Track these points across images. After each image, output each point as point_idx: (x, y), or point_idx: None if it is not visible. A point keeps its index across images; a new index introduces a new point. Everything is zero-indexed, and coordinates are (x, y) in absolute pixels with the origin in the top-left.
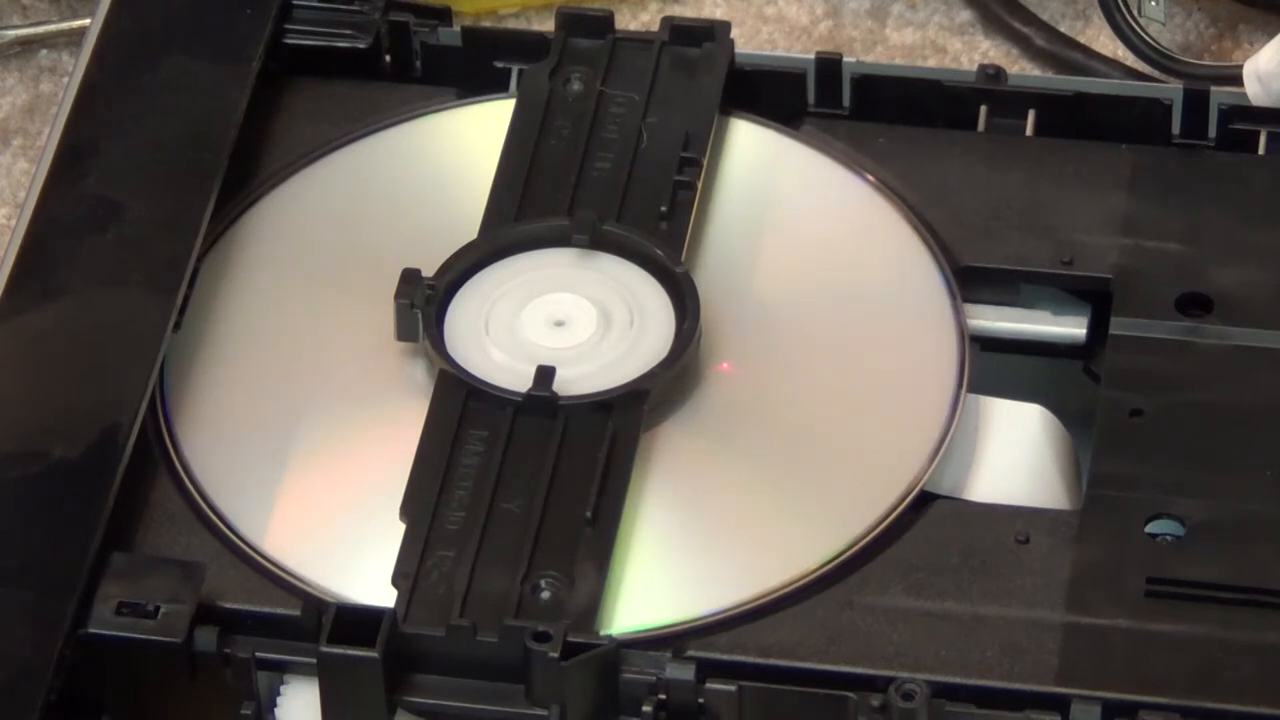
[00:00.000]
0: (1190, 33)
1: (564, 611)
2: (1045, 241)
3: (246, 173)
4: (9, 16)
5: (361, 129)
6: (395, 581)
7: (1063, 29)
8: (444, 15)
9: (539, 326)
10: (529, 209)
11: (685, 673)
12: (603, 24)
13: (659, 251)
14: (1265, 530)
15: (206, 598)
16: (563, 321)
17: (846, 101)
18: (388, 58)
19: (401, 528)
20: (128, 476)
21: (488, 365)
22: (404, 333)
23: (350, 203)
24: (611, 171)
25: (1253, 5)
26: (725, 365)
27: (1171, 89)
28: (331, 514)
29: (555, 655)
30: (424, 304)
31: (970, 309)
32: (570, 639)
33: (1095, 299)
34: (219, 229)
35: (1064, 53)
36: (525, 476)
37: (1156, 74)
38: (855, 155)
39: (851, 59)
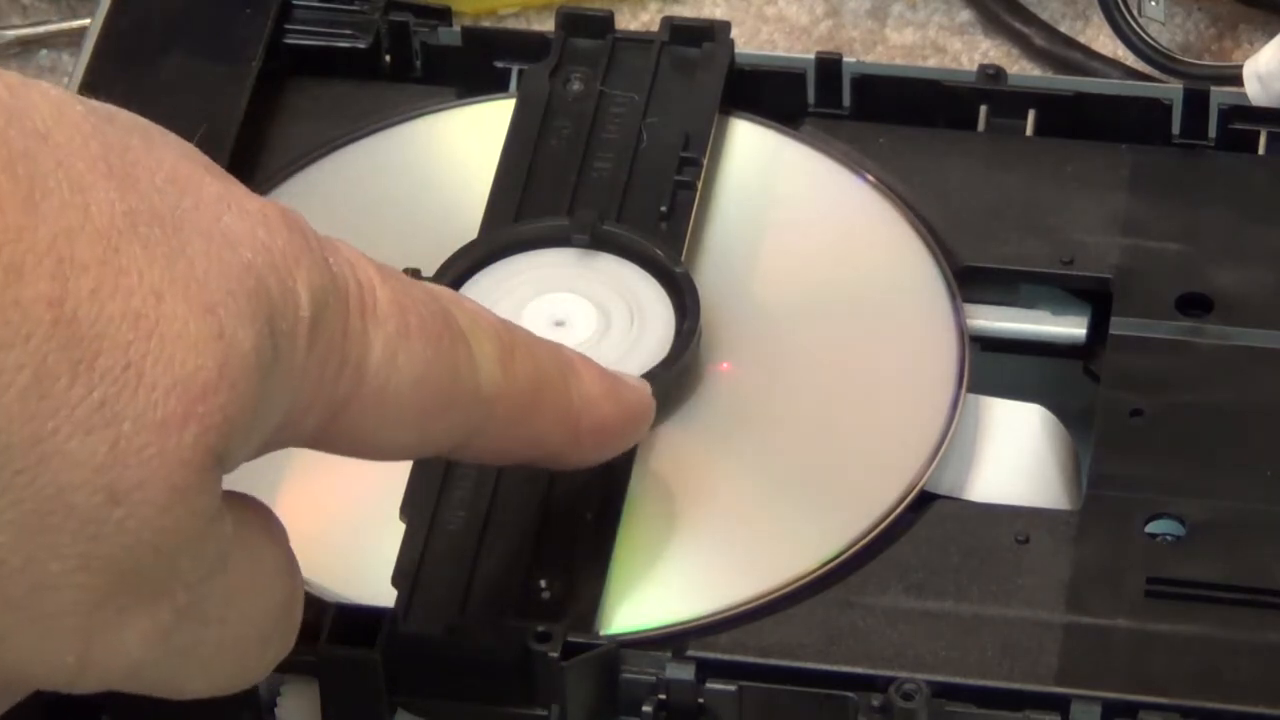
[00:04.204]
0: (1190, 33)
1: (564, 611)
2: (1045, 241)
3: (246, 173)
4: (9, 16)
5: (361, 129)
6: (395, 581)
7: (1063, 29)
8: (444, 15)
9: (539, 326)
10: (529, 209)
11: (685, 673)
12: (603, 24)
13: (659, 251)
14: (1265, 530)
15: None
16: (563, 321)
17: (846, 101)
18: (388, 58)
19: (401, 528)
20: None
21: None
22: None
23: (350, 203)
24: (611, 171)
25: (1253, 5)
26: (725, 365)
27: (1171, 89)
28: (331, 514)
29: (555, 655)
30: None
31: (970, 309)
32: (570, 639)
33: (1095, 299)
34: None
35: (1064, 53)
36: (525, 476)
37: (1156, 74)
38: (855, 155)
39: (851, 59)
